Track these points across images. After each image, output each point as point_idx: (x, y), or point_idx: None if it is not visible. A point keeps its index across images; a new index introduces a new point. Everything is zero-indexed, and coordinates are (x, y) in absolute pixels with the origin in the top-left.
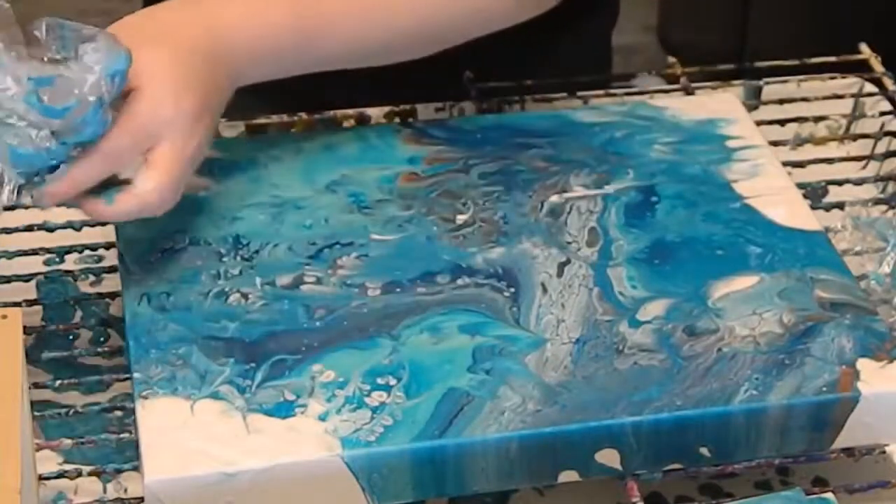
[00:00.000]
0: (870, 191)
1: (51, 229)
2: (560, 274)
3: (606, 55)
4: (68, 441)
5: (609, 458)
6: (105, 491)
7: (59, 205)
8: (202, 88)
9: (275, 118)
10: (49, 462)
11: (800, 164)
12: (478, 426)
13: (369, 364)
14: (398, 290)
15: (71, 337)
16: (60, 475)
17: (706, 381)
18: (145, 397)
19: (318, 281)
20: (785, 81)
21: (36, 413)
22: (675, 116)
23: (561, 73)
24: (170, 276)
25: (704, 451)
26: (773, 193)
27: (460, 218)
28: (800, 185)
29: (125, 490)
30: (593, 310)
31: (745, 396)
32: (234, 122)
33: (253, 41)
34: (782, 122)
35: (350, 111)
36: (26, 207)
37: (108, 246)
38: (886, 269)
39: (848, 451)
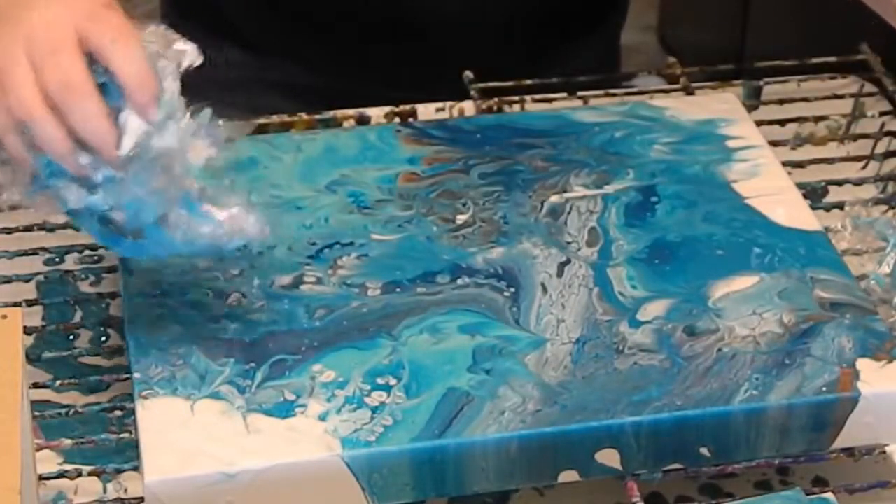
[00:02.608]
0: (870, 191)
1: (51, 229)
2: (560, 274)
3: (615, 56)
4: (68, 441)
5: (609, 458)
6: (105, 491)
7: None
8: None
9: (275, 118)
10: (49, 462)
11: (800, 164)
12: (478, 426)
13: (369, 364)
14: (398, 290)
15: (71, 337)
16: (60, 475)
17: (706, 381)
18: (145, 397)
19: (318, 281)
20: (785, 81)
21: (36, 413)
22: (675, 116)
23: (569, 75)
24: (170, 276)
25: (704, 451)
26: (773, 193)
27: (460, 218)
28: (800, 185)
29: (125, 490)
30: (593, 310)
31: (745, 396)
32: (234, 123)
33: None
34: (782, 122)
35: (350, 111)
36: (26, 207)
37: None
38: (886, 269)
39: (848, 451)
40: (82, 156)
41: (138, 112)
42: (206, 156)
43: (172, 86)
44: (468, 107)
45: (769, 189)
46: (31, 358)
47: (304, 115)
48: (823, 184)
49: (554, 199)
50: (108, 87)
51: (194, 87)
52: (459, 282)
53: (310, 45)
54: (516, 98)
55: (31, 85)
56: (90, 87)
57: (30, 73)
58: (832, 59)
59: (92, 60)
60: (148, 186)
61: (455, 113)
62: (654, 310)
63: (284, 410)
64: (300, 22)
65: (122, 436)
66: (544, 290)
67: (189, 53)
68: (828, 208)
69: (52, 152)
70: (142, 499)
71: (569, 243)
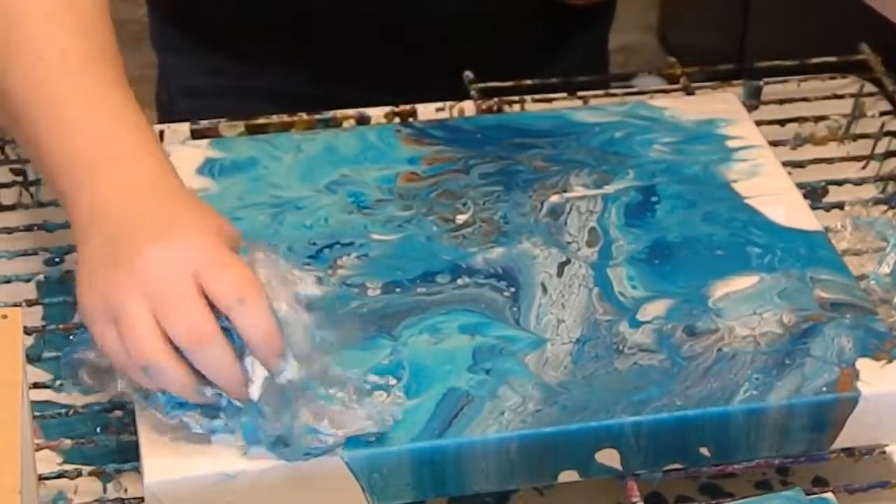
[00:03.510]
0: (870, 191)
1: (51, 229)
2: (560, 274)
3: (604, 56)
4: (68, 441)
5: (609, 458)
6: (105, 491)
7: None
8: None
9: (275, 118)
10: (49, 462)
11: (800, 164)
12: (478, 426)
13: (369, 364)
14: (398, 290)
15: (71, 337)
16: (60, 475)
17: (706, 381)
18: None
19: (319, 281)
20: (785, 81)
21: (36, 413)
22: (675, 116)
23: (560, 74)
24: None
25: (704, 451)
26: (773, 193)
27: (460, 218)
28: (800, 185)
29: (125, 490)
30: (593, 310)
31: (745, 396)
32: (234, 122)
33: None
34: (782, 122)
35: (350, 111)
36: (26, 207)
37: None
38: (886, 269)
39: (848, 451)
40: (206, 389)
41: (263, 364)
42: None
43: (294, 318)
44: (468, 107)
45: (769, 189)
46: (31, 358)
47: (304, 115)
48: (823, 184)
49: (554, 199)
50: (229, 331)
51: (191, 98)
52: (459, 282)
53: (309, 47)
54: (516, 98)
55: (151, 332)
56: (219, 336)
57: (150, 320)
58: (832, 59)
59: (212, 304)
60: (269, 413)
61: (455, 113)
62: (654, 310)
63: None
64: (299, 23)
65: (122, 436)
66: (544, 290)
67: (307, 283)
68: (828, 208)
69: (175, 392)
70: (142, 499)
71: (569, 243)
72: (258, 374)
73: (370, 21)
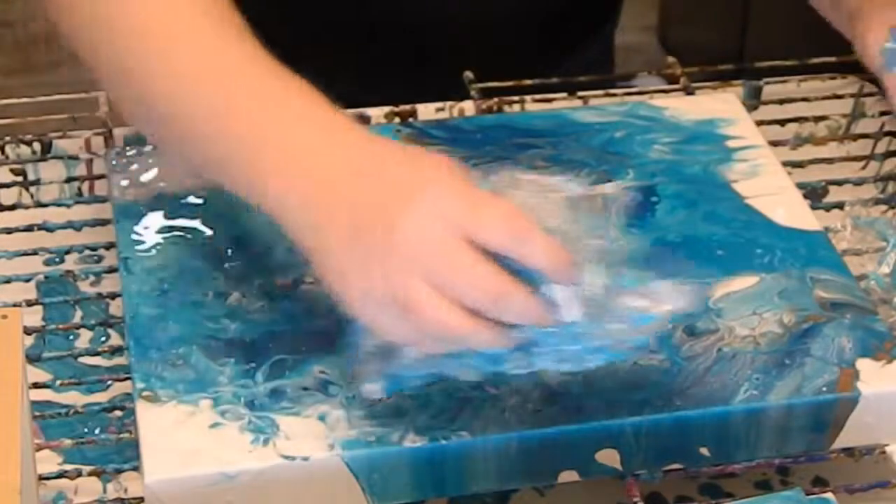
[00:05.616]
0: (870, 191)
1: (51, 229)
2: None
3: (608, 59)
4: (68, 441)
5: (609, 458)
6: (105, 491)
7: None
8: None
9: None
10: (49, 462)
11: (800, 164)
12: (478, 426)
13: None
14: None
15: (71, 337)
16: (60, 475)
17: (706, 381)
18: (145, 397)
19: (319, 281)
20: (785, 81)
21: (36, 413)
22: (675, 116)
23: (568, 75)
24: (170, 275)
25: (704, 451)
26: (773, 193)
27: None
28: (800, 185)
29: (125, 490)
30: None
31: (745, 396)
32: None
33: None
34: (782, 122)
35: (350, 111)
36: (26, 207)
37: (108, 246)
38: (886, 269)
39: (848, 451)
40: (513, 332)
41: (564, 284)
42: None
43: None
44: (468, 107)
45: (769, 189)
46: (31, 358)
47: None
48: (823, 184)
49: None
50: (510, 267)
51: None
52: None
53: (310, 45)
54: (516, 98)
55: (447, 309)
56: (513, 284)
57: (438, 298)
58: (832, 59)
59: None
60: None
61: (455, 113)
62: None
63: (285, 410)
64: (299, 22)
65: (122, 436)
66: None
67: (551, 181)
68: (828, 208)
69: (489, 348)
70: (142, 499)
71: None
72: (563, 295)
73: (371, 21)
